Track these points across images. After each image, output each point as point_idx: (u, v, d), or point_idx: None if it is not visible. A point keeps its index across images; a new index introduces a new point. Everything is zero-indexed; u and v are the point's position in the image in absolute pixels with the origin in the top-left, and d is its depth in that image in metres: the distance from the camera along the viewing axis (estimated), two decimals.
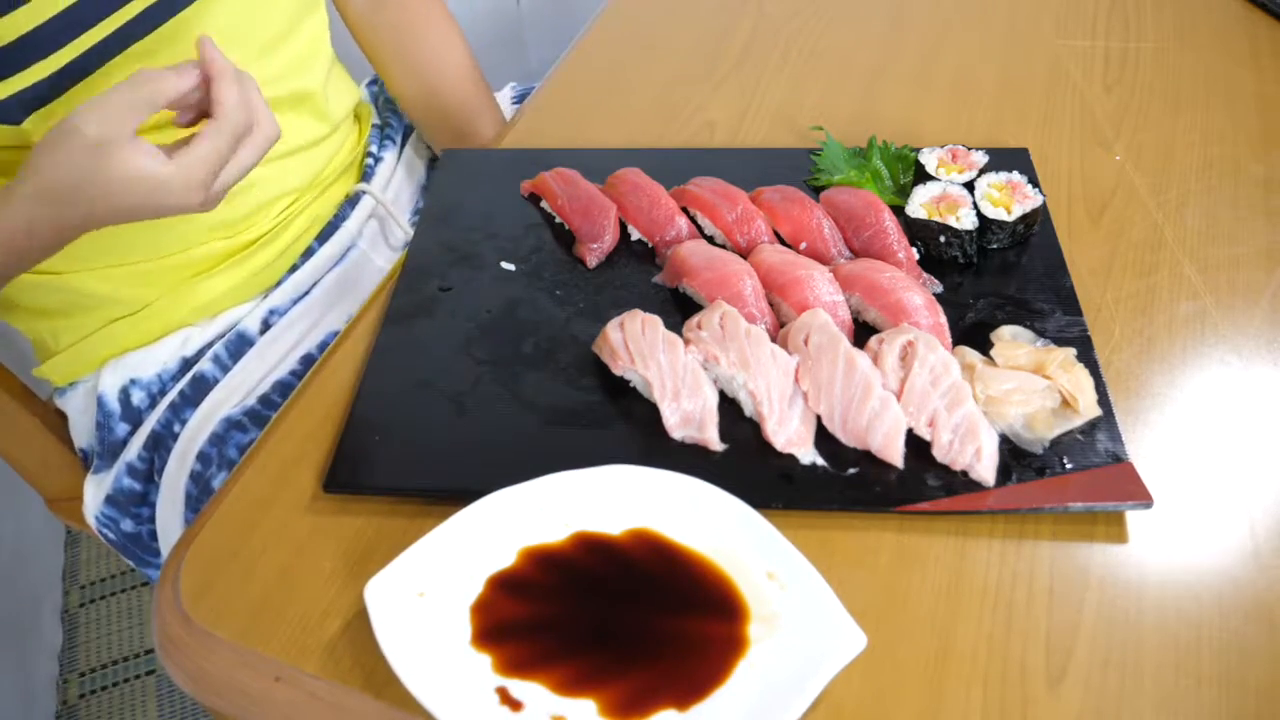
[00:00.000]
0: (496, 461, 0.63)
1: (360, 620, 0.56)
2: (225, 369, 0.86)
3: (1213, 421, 0.64)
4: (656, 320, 0.67)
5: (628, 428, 0.65)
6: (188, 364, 0.87)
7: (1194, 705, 0.51)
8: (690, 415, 0.64)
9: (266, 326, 0.88)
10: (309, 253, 0.91)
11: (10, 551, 1.50)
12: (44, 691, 1.48)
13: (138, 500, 0.88)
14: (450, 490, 0.62)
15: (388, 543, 0.60)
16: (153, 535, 0.88)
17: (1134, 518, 0.59)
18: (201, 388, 0.85)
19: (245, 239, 0.88)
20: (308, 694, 0.55)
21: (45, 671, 1.50)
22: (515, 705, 0.51)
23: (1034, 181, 0.76)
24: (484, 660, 0.53)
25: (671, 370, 0.65)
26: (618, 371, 0.66)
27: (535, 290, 0.75)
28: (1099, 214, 0.79)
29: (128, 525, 0.88)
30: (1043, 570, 0.57)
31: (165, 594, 0.60)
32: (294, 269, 0.91)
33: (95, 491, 0.88)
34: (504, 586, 0.56)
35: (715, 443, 0.63)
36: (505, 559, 0.57)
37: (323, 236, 0.92)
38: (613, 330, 0.67)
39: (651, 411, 0.64)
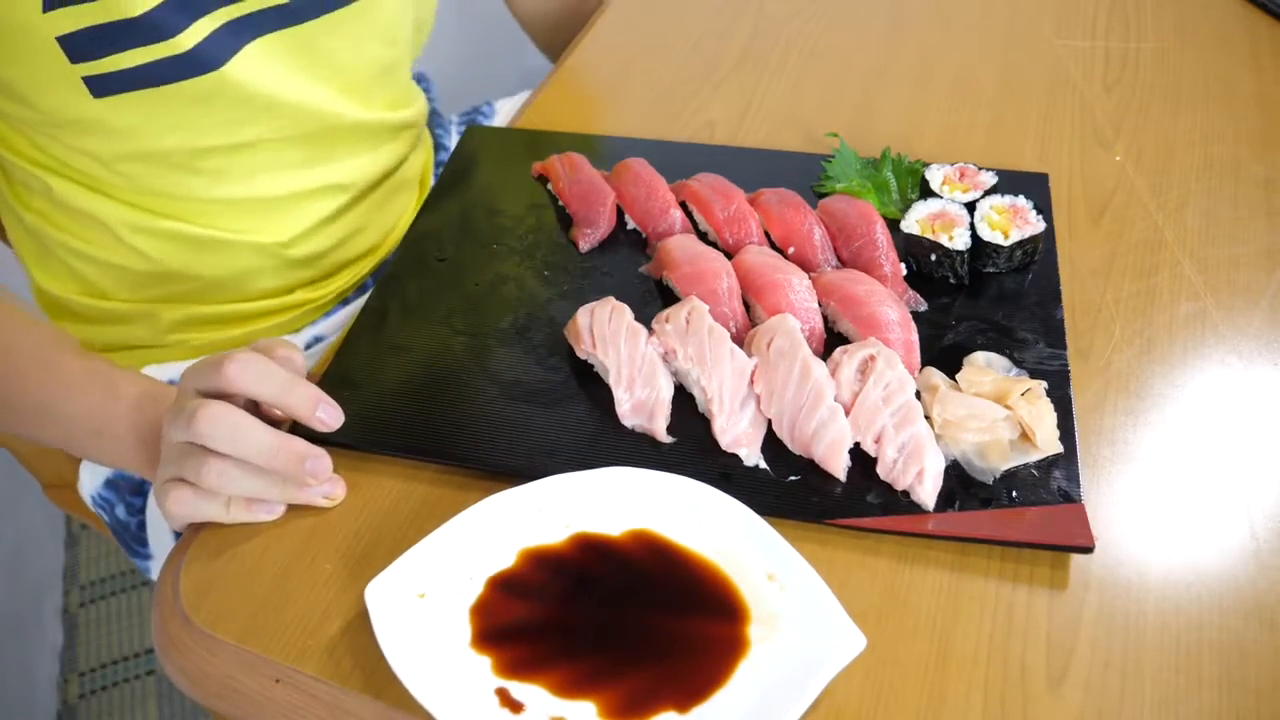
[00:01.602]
0: (450, 428, 0.65)
1: (360, 621, 0.56)
2: None
3: (1213, 422, 0.64)
4: (625, 309, 0.67)
5: (583, 410, 0.66)
6: None
7: (1194, 706, 0.51)
8: (642, 404, 0.65)
9: (307, 348, 0.91)
10: (363, 288, 0.95)
11: (11, 551, 1.50)
12: (44, 691, 1.48)
13: (135, 489, 0.88)
14: (402, 449, 0.64)
15: (388, 544, 0.60)
16: (142, 526, 0.89)
17: (1135, 513, 0.59)
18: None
19: (323, 292, 0.91)
20: (307, 695, 0.55)
21: (45, 671, 1.50)
22: (515, 707, 0.51)
23: (1043, 208, 0.73)
24: (484, 662, 0.53)
25: (630, 359, 0.65)
26: (581, 354, 0.68)
27: (525, 269, 0.77)
28: (1099, 214, 0.79)
29: (121, 512, 0.89)
30: (1043, 570, 0.57)
31: (165, 594, 0.60)
32: (346, 301, 0.94)
33: (94, 473, 0.89)
34: (504, 588, 0.56)
35: (662, 434, 0.64)
36: (505, 560, 0.57)
37: (377, 273, 0.96)
38: (582, 315, 0.68)
39: (610, 398, 0.65)
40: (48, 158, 0.76)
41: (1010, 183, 0.76)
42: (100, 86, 0.69)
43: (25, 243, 0.86)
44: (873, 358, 0.63)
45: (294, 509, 0.62)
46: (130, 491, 0.88)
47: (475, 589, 0.56)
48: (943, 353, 0.67)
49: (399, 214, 0.96)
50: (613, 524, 0.58)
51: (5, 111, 0.73)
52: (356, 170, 0.87)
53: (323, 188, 0.85)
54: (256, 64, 0.74)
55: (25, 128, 0.74)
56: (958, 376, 0.64)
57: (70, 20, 0.66)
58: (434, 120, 1.10)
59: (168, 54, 0.69)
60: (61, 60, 0.67)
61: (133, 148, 0.74)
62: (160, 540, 0.87)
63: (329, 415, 0.61)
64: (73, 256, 0.82)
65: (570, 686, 0.52)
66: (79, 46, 0.67)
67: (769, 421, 0.64)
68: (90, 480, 0.89)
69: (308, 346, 0.91)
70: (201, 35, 0.70)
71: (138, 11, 0.67)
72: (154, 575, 0.90)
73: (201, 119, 0.74)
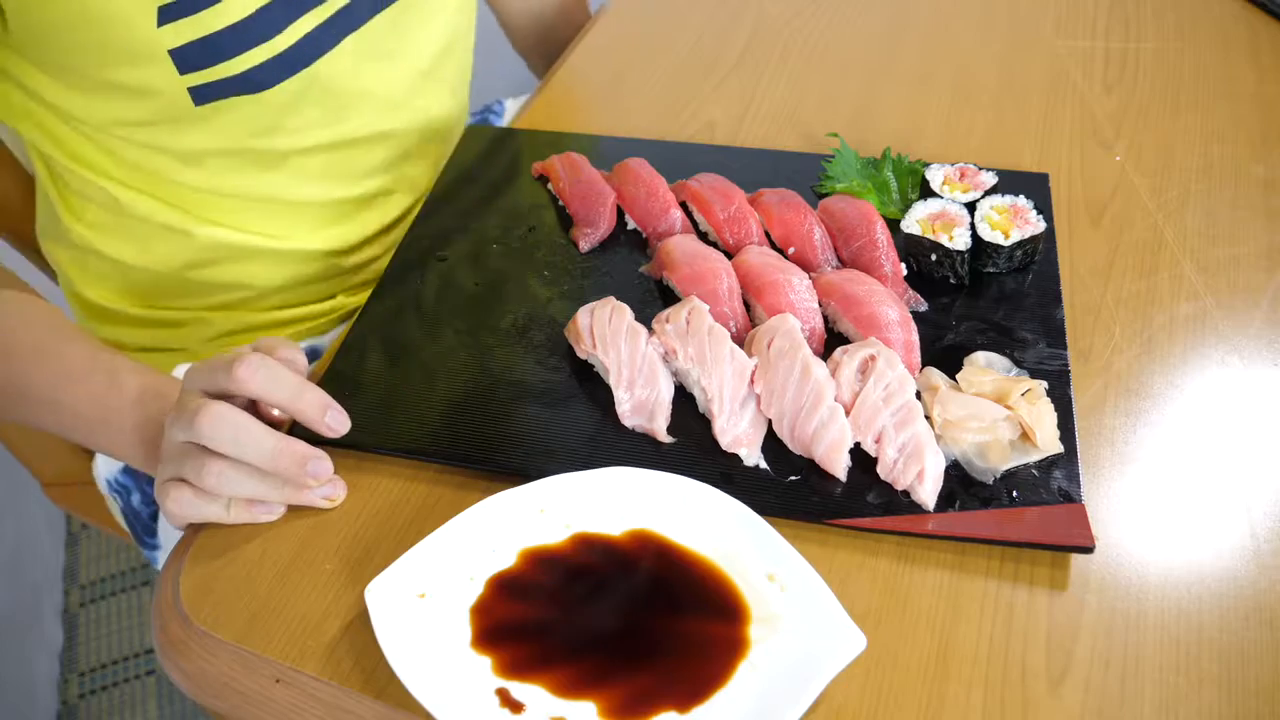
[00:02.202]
0: (451, 428, 0.65)
1: (360, 621, 0.56)
2: None
3: (1213, 422, 0.64)
4: (625, 309, 0.67)
5: (584, 410, 0.66)
6: None
7: (1194, 706, 0.51)
8: (643, 404, 0.65)
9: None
10: None
11: (11, 551, 1.50)
12: (44, 691, 1.48)
13: (151, 478, 0.88)
14: (402, 449, 0.64)
15: (388, 544, 0.60)
16: (154, 516, 0.89)
17: (1135, 513, 0.59)
18: None
19: (363, 297, 0.91)
20: (308, 695, 0.55)
21: (45, 671, 1.50)
22: (516, 707, 0.51)
23: (1043, 208, 0.73)
24: (484, 662, 0.53)
25: (630, 359, 0.65)
26: (582, 354, 0.68)
27: (525, 269, 0.77)
28: (1099, 214, 0.79)
29: (136, 499, 0.89)
30: (1043, 571, 0.57)
31: (165, 595, 0.60)
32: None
33: (111, 458, 0.89)
34: (505, 588, 0.56)
35: (663, 433, 0.64)
36: (506, 560, 0.57)
37: None
38: (583, 315, 0.68)
39: (611, 398, 0.65)
40: (117, 164, 0.77)
41: (1010, 183, 0.76)
42: (201, 95, 0.71)
43: (68, 254, 0.87)
44: (873, 358, 0.63)
45: (294, 509, 0.62)
46: (148, 480, 0.88)
47: (475, 589, 0.56)
48: (943, 353, 0.67)
49: None
50: (613, 524, 0.58)
51: (82, 117, 0.74)
52: (421, 177, 0.88)
53: (385, 192, 0.86)
54: (347, 59, 0.75)
55: (98, 133, 0.75)
56: (958, 376, 0.64)
57: (181, 33, 0.67)
58: None
59: (266, 56, 0.71)
60: (172, 72, 0.69)
61: (221, 146, 0.75)
62: (170, 531, 0.88)
63: (337, 421, 0.61)
64: (127, 268, 0.83)
65: (570, 686, 0.52)
66: (188, 58, 0.68)
67: (769, 422, 0.64)
68: (107, 465, 0.89)
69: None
70: (299, 35, 0.71)
71: (243, 15, 0.68)
72: (160, 565, 0.91)
73: (290, 120, 0.76)
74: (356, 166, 0.83)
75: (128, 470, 0.88)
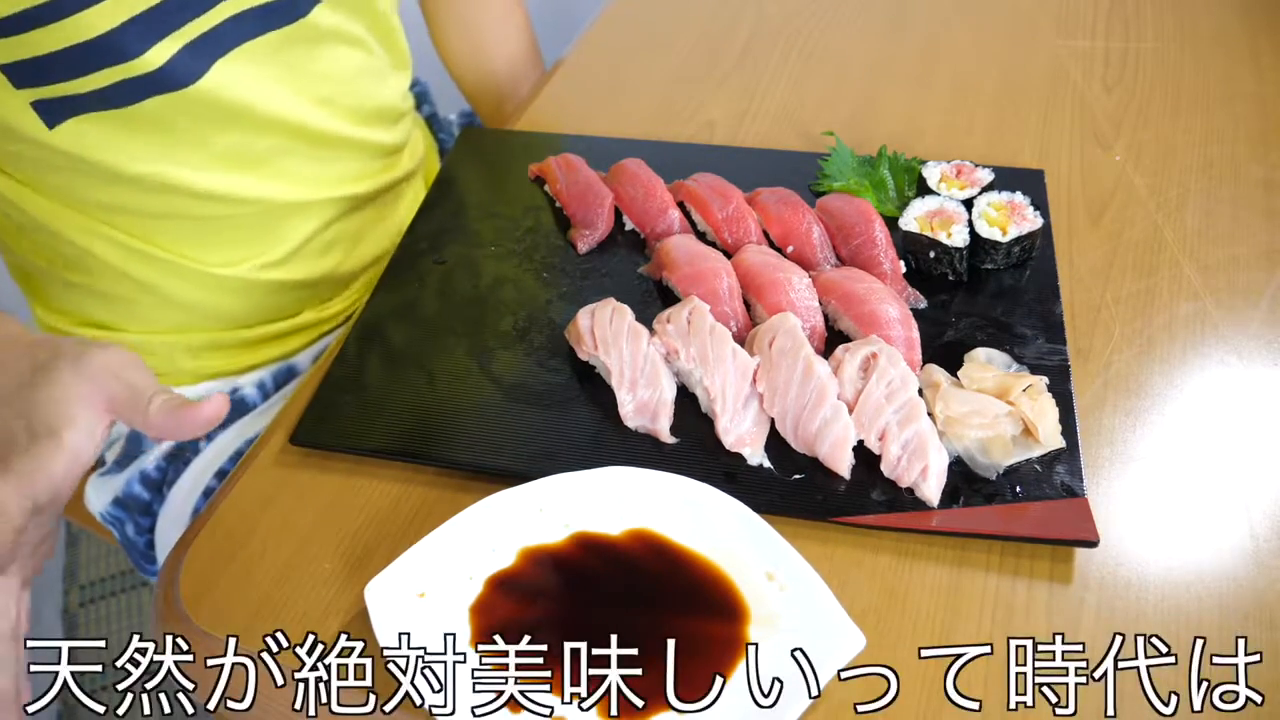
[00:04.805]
0: (452, 432, 0.65)
1: (360, 620, 0.56)
2: (266, 395, 0.88)
3: (1213, 422, 0.64)
4: (626, 310, 0.67)
5: (586, 412, 0.66)
6: (235, 389, 0.88)
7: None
8: (645, 404, 0.65)
9: (315, 360, 0.90)
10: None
11: None
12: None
13: (143, 509, 0.88)
14: (404, 454, 0.64)
15: (388, 543, 0.60)
16: (150, 544, 0.89)
17: (1135, 513, 0.59)
18: (240, 410, 0.86)
19: (334, 310, 0.90)
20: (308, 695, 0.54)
21: None
22: (515, 706, 0.51)
23: (1040, 204, 0.73)
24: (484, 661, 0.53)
25: (632, 359, 0.65)
26: (583, 356, 0.67)
27: (524, 271, 0.77)
28: (1099, 214, 0.79)
29: (130, 530, 0.89)
30: (1042, 570, 0.57)
31: (165, 594, 0.60)
32: (350, 317, 0.92)
33: (100, 492, 0.88)
34: (504, 587, 0.56)
35: (665, 434, 0.63)
36: (505, 560, 0.57)
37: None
38: (583, 316, 0.68)
39: (612, 399, 0.65)
40: (34, 189, 0.74)
41: (1007, 179, 0.76)
42: (50, 112, 0.67)
43: (24, 282, 0.86)
44: (875, 355, 0.63)
45: (295, 510, 0.62)
46: (139, 511, 0.88)
47: (475, 589, 0.56)
48: (943, 349, 0.67)
49: (403, 220, 0.94)
50: (613, 524, 0.58)
51: None
52: (337, 188, 0.85)
53: (305, 203, 0.83)
54: (230, 77, 0.71)
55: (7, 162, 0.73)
56: (959, 373, 0.64)
57: (9, 50, 0.64)
58: (434, 124, 1.10)
59: (121, 78, 0.66)
60: (5, 84, 0.65)
61: (102, 173, 0.72)
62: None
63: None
64: (73, 288, 0.82)
65: (570, 686, 0.52)
66: (22, 75, 0.65)
67: (772, 421, 0.64)
68: (97, 498, 0.88)
69: (313, 362, 0.90)
70: (163, 59, 0.67)
71: (87, 37, 0.64)
72: None
73: (166, 139, 0.72)
74: (251, 184, 0.78)
75: (118, 503, 0.87)
